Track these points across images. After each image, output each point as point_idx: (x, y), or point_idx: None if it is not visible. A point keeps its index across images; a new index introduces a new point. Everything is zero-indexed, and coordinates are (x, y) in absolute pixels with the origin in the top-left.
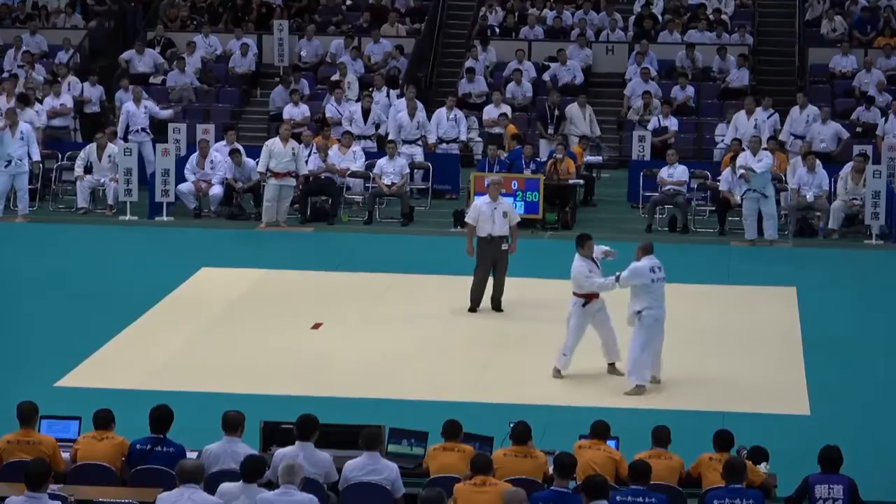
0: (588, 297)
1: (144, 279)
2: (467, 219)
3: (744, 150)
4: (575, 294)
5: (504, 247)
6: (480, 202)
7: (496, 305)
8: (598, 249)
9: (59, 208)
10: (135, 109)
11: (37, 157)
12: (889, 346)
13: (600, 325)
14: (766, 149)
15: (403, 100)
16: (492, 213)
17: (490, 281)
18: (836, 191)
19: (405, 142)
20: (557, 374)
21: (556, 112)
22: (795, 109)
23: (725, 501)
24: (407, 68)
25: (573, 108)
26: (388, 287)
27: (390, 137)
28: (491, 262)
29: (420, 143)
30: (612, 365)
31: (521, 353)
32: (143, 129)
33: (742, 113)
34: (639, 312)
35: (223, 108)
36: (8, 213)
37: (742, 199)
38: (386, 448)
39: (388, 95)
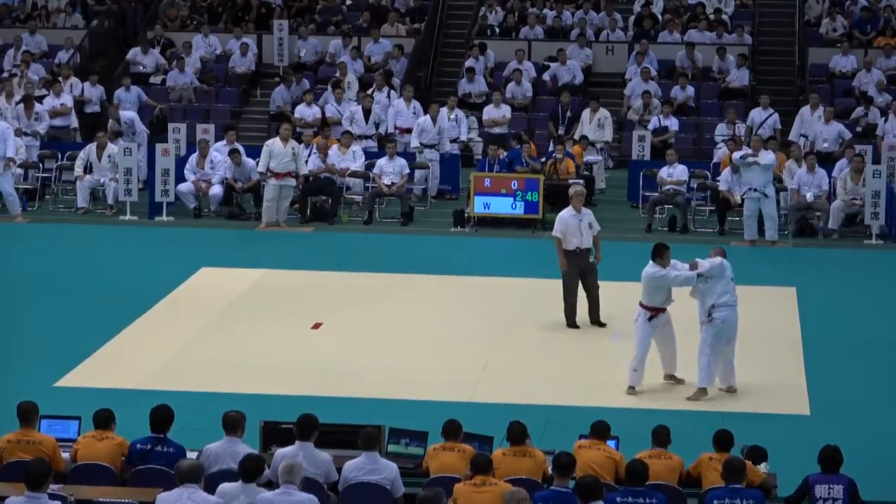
0: (654, 311)
1: (144, 279)
2: (554, 232)
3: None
4: (642, 306)
5: (591, 259)
6: (566, 214)
7: (596, 319)
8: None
9: (59, 208)
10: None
11: (11, 153)
12: (889, 346)
13: (662, 338)
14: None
15: (401, 100)
16: (578, 224)
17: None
18: (835, 191)
19: (425, 146)
20: (631, 390)
21: (569, 113)
22: (806, 110)
23: (725, 501)
24: (406, 68)
25: (585, 113)
26: (388, 287)
27: (413, 144)
28: (578, 275)
29: (437, 148)
30: (671, 375)
31: (521, 353)
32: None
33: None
34: (710, 315)
35: (223, 108)
36: (7, 214)
37: (743, 199)
38: (386, 448)
39: (388, 95)
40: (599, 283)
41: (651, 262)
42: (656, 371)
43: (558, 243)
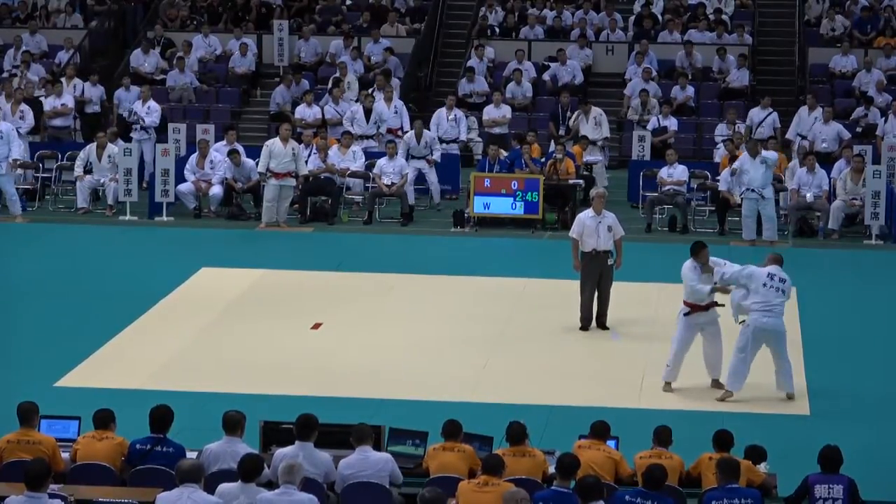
0: (692, 308)
1: (144, 279)
2: (571, 233)
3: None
4: (684, 302)
5: (609, 262)
6: (584, 216)
7: (601, 322)
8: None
9: (59, 208)
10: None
11: (17, 154)
12: (889, 346)
13: (708, 339)
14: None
15: (382, 101)
16: (596, 226)
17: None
18: (835, 191)
19: (413, 157)
20: (667, 387)
21: (569, 113)
22: (804, 110)
23: (724, 502)
24: (407, 68)
25: (580, 119)
26: (387, 287)
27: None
28: (596, 278)
29: (426, 160)
30: (715, 381)
31: (521, 353)
32: (143, 128)
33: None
34: (744, 321)
35: (223, 108)
36: (7, 214)
37: (741, 200)
38: (386, 448)
39: None
40: None
41: (690, 259)
42: (656, 371)
43: (574, 244)
